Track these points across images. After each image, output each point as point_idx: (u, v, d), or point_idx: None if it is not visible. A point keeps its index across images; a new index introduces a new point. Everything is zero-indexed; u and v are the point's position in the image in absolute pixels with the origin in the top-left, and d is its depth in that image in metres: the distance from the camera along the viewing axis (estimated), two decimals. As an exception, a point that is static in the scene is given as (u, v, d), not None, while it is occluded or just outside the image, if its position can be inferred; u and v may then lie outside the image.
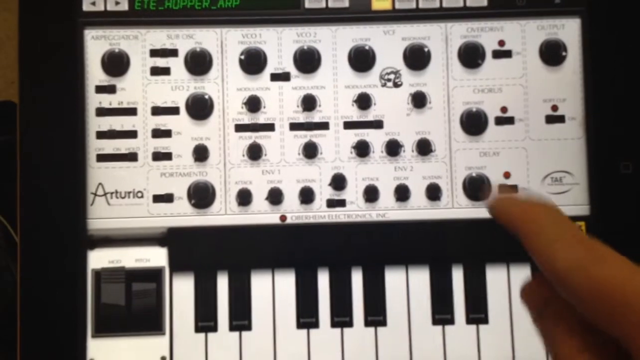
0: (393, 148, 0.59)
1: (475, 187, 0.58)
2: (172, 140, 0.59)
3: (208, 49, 0.59)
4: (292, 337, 0.57)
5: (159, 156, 0.58)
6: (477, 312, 0.58)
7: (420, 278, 0.58)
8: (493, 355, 0.58)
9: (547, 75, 0.60)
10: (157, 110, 0.59)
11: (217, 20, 0.59)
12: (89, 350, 0.57)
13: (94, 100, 0.58)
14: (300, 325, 0.58)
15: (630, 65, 0.59)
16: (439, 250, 0.58)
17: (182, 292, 0.58)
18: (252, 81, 0.59)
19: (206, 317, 0.57)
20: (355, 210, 0.59)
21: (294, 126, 0.59)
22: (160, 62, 0.59)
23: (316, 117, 0.59)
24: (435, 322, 0.58)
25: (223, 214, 0.58)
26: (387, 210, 0.59)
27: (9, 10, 0.77)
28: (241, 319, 0.57)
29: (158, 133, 0.58)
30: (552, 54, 0.59)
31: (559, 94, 0.59)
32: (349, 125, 0.59)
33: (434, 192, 0.58)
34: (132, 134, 0.58)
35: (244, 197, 0.58)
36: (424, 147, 0.59)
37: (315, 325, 0.58)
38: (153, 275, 0.58)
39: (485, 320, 0.58)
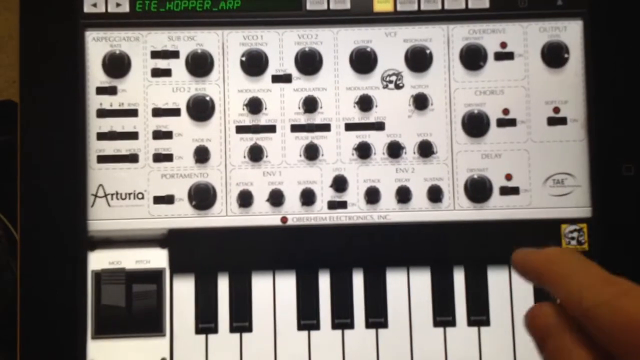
0: (394, 150, 0.59)
1: (477, 189, 0.58)
2: (173, 141, 0.59)
3: (209, 51, 0.59)
4: (292, 338, 0.57)
5: (160, 157, 0.58)
6: (479, 314, 0.58)
7: (422, 280, 0.58)
8: (494, 358, 0.58)
9: (549, 77, 0.60)
10: (158, 112, 0.59)
11: (218, 21, 0.59)
12: (89, 351, 0.56)
13: (94, 101, 0.58)
14: (300, 327, 0.58)
15: (632, 67, 0.59)
16: (440, 252, 0.58)
17: (182, 293, 0.58)
18: (254, 83, 0.59)
19: (207, 318, 0.57)
20: (357, 212, 0.59)
21: (295, 128, 0.59)
22: (162, 63, 0.59)
23: (317, 118, 0.59)
24: (436, 324, 0.58)
25: (224, 215, 0.58)
26: (389, 211, 0.59)
27: (10, 9, 0.77)
28: (242, 321, 0.57)
29: (159, 134, 0.58)
30: (554, 55, 0.59)
31: (561, 96, 0.59)
32: (350, 126, 0.59)
33: (435, 194, 0.58)
34: (133, 135, 0.58)
35: (245, 199, 0.58)
36: (425, 149, 0.59)
37: (316, 327, 0.58)
38: (153, 276, 0.57)
39: (486, 323, 0.58)
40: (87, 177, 0.58)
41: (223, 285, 0.58)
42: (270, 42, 0.60)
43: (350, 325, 0.58)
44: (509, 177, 0.59)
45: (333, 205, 0.59)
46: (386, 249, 0.58)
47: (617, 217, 0.58)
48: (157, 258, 0.58)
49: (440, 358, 0.57)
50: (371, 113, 0.59)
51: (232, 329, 0.57)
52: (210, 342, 0.57)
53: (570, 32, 0.60)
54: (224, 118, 0.59)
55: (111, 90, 0.59)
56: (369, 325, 0.58)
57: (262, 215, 0.58)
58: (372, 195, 0.58)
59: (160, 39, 0.59)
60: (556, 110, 0.59)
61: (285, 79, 0.59)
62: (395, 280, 0.58)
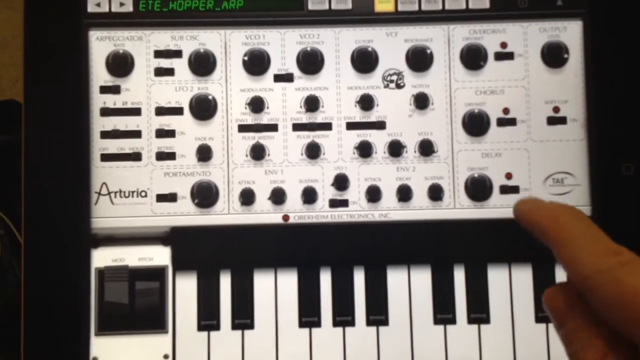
0: (395, 149, 0.59)
1: (477, 188, 0.59)
2: (176, 140, 0.59)
3: (212, 50, 0.60)
4: (294, 336, 0.58)
5: (163, 156, 0.59)
6: (479, 312, 0.58)
7: (422, 278, 0.59)
8: (494, 355, 0.58)
9: (549, 77, 0.60)
10: (161, 111, 0.59)
11: (221, 21, 0.60)
12: (92, 348, 0.57)
13: (98, 100, 0.59)
14: (302, 324, 0.58)
15: (631, 67, 0.59)
16: (440, 251, 0.59)
17: (185, 290, 0.58)
18: (256, 82, 0.60)
19: (209, 315, 0.58)
20: (358, 210, 0.59)
21: (297, 127, 0.59)
22: (165, 63, 0.59)
23: (319, 117, 0.60)
24: (436, 321, 0.58)
25: (226, 213, 0.59)
26: (390, 210, 0.59)
27: (13, 9, 0.77)
28: (244, 318, 0.58)
29: (162, 133, 0.59)
30: (554, 56, 0.60)
31: (561, 95, 0.60)
32: (351, 125, 0.60)
33: (436, 193, 0.59)
34: (136, 134, 0.59)
35: (247, 197, 0.58)
36: (426, 148, 0.59)
37: (317, 324, 0.58)
38: (156, 274, 0.58)
39: (486, 320, 0.58)
40: (91, 175, 0.58)
41: (225, 282, 0.58)
42: (273, 42, 0.60)
43: (351, 323, 0.58)
44: (509, 176, 0.59)
45: (334, 203, 0.59)
46: (387, 247, 0.59)
47: (617, 216, 0.58)
48: (159, 255, 0.58)
49: (440, 355, 0.58)
50: (372, 112, 0.60)
51: (234, 326, 0.58)
52: (212, 339, 0.57)
53: (570, 33, 0.60)
54: (227, 117, 0.59)
55: (114, 89, 0.59)
56: (369, 322, 0.58)
57: (263, 214, 0.59)
58: (373, 194, 0.59)
59: (163, 38, 0.60)
60: (556, 109, 0.60)
61: (287, 78, 0.60)
62: (395, 278, 0.59)
